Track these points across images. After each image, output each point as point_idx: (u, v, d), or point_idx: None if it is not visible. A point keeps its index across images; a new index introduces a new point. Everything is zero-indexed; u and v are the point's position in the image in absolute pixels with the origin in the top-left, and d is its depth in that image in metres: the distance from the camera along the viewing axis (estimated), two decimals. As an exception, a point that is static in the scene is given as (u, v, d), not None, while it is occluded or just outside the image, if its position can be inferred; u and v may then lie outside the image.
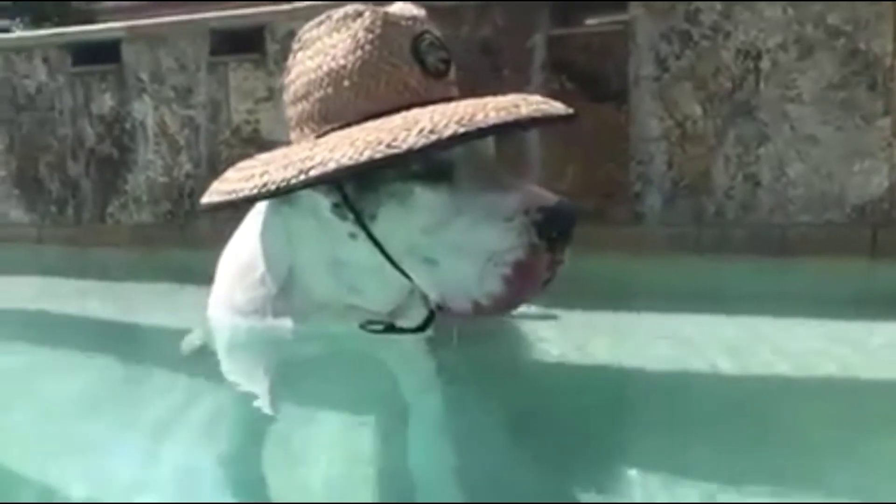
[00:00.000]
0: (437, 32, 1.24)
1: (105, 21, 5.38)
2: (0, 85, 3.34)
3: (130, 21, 3.35)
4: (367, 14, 1.20)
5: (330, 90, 1.20)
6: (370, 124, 1.11)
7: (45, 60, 3.26)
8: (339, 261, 1.29)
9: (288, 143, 1.33)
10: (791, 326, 1.77)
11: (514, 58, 2.55)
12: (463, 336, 1.88)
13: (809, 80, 2.24)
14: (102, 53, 3.14)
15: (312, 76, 1.23)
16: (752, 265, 2.27)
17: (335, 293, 1.35)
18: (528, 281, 1.08)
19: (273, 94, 2.82)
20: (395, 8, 1.25)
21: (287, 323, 1.42)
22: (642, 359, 1.54)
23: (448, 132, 1.00)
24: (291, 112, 1.29)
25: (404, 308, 1.38)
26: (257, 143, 2.82)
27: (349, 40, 1.19)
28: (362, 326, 1.36)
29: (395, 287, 1.30)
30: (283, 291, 1.41)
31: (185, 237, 2.92)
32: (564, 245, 1.08)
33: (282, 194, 1.17)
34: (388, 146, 1.02)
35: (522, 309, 1.86)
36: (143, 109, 3.08)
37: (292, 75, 1.28)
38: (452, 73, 1.24)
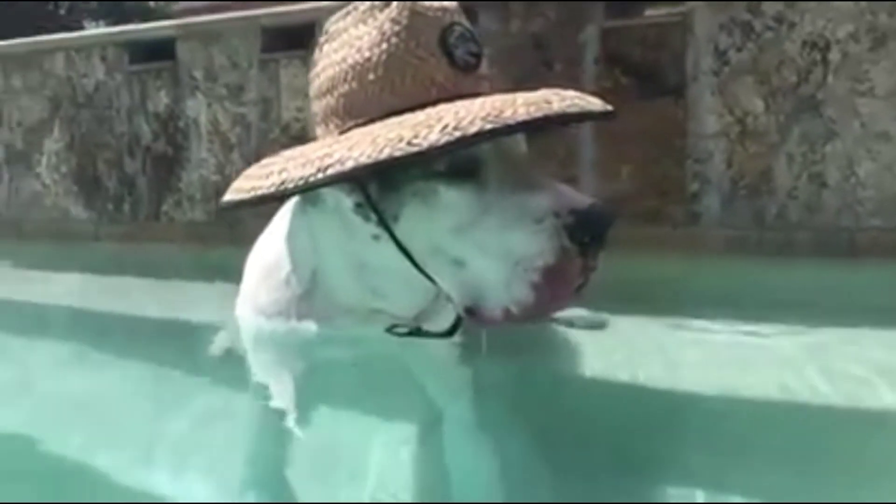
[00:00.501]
0: (468, 24, 1.16)
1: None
2: (61, 83, 3.41)
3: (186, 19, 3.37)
4: (394, 5, 1.14)
5: (354, 84, 1.15)
6: (393, 120, 1.05)
7: (103, 59, 3.31)
8: (363, 263, 1.24)
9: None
10: (857, 338, 1.64)
11: (566, 52, 2.46)
12: (500, 343, 1.84)
13: (882, 72, 2.09)
14: (157, 51, 3.16)
15: (337, 69, 1.18)
16: (816, 271, 2.13)
17: (359, 296, 1.30)
18: (558, 287, 1.00)
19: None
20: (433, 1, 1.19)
21: (311, 326, 1.38)
22: (690, 375, 1.44)
23: (473, 129, 0.94)
24: (316, 107, 1.25)
25: (430, 312, 1.32)
26: (306, 140, 2.77)
27: (375, 32, 1.14)
28: (388, 330, 1.31)
29: (420, 291, 1.24)
30: (308, 293, 1.36)
31: (234, 235, 2.92)
32: (598, 250, 1.00)
33: (299, 193, 1.14)
34: (410, 143, 0.96)
35: (570, 314, 1.83)
36: (196, 107, 3.09)
37: (318, 68, 1.24)
38: (483, 67, 1.16)
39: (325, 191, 1.19)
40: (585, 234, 0.97)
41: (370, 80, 1.12)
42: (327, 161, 1.02)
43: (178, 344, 1.79)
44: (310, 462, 1.09)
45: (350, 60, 1.15)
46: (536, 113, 0.96)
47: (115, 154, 3.29)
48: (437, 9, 1.14)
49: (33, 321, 2.21)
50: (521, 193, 1.02)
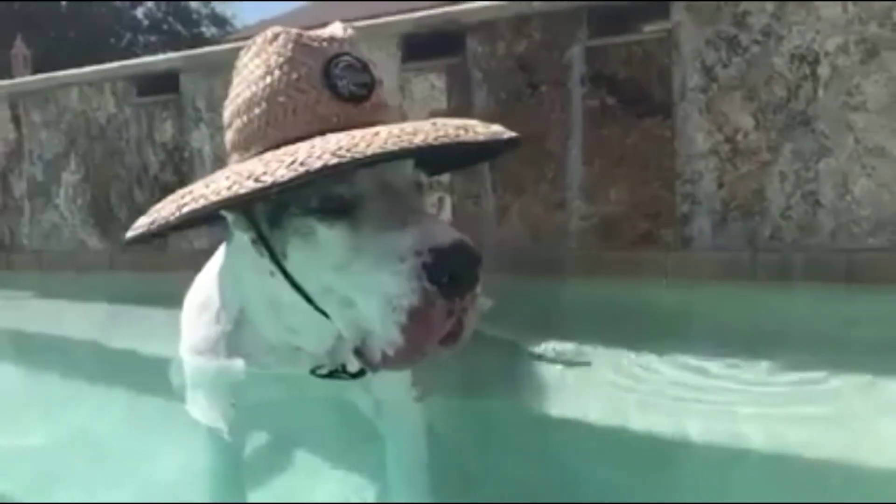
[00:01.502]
0: (360, 54, 1.12)
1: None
2: (76, 117, 3.48)
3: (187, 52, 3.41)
4: (281, 37, 1.11)
5: (245, 118, 1.12)
6: (265, 156, 1.02)
7: (113, 92, 3.37)
8: (273, 300, 1.20)
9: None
10: (858, 368, 1.52)
11: (552, 73, 2.40)
12: (468, 378, 1.79)
13: (875, 84, 1.98)
14: (163, 84, 3.21)
15: (235, 103, 1.16)
16: (812, 295, 2.03)
17: (278, 334, 1.26)
18: (423, 331, 0.93)
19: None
20: (325, 29, 1.16)
21: (239, 363, 1.36)
22: (671, 423, 1.36)
23: (318, 164, 0.89)
24: (225, 140, 1.23)
25: (341, 350, 1.28)
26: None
27: (262, 66, 1.11)
28: (312, 372, 1.27)
29: (326, 327, 1.20)
30: (235, 331, 1.33)
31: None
32: (460, 292, 0.92)
33: (164, 232, 1.11)
34: (257, 180, 0.93)
35: (555, 349, 1.76)
36: (200, 137, 3.13)
37: (226, 102, 1.22)
38: (378, 97, 1.11)
39: (231, 226, 1.17)
40: (443, 273, 0.90)
41: (256, 113, 1.09)
42: (187, 198, 1.00)
43: (136, 378, 1.80)
44: None
45: (243, 95, 1.13)
46: (392, 146, 0.91)
47: (125, 185, 3.34)
48: (325, 39, 1.10)
49: (38, 351, 2.27)
50: (390, 231, 0.96)
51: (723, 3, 2.13)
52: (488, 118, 2.45)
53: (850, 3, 1.98)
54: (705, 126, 2.19)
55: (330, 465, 1.26)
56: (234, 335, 1.34)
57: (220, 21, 20.16)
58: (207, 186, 0.99)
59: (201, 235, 3.15)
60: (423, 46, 2.61)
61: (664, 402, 1.46)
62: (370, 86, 1.10)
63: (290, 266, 1.09)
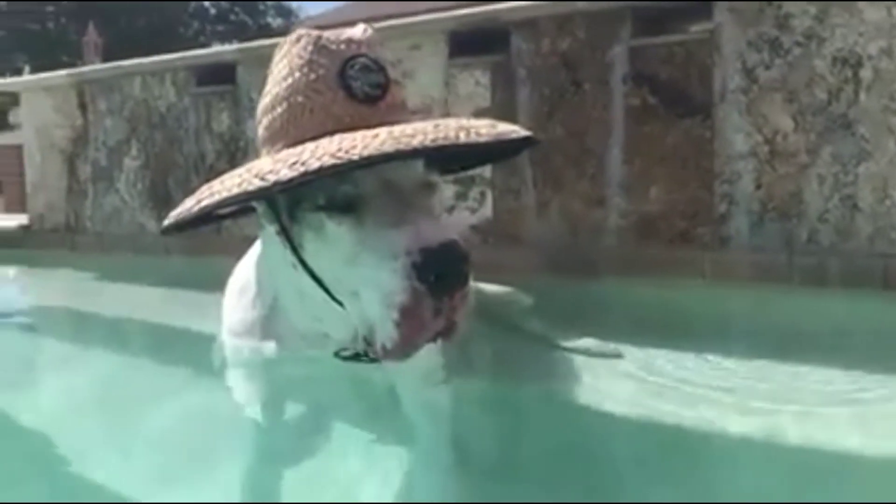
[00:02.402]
0: (376, 55, 1.17)
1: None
2: (138, 105, 3.63)
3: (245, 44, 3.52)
4: (303, 39, 1.18)
5: (270, 116, 1.20)
6: (280, 154, 1.09)
7: (174, 82, 3.50)
8: (298, 289, 1.27)
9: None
10: (889, 373, 1.52)
11: (595, 71, 2.43)
12: (495, 365, 1.84)
13: (918, 89, 1.96)
14: (220, 75, 3.32)
15: (264, 102, 1.23)
16: (848, 300, 2.02)
17: (305, 321, 1.34)
18: (413, 327, 0.99)
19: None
20: (347, 31, 1.22)
21: (271, 346, 1.44)
22: (692, 415, 1.38)
23: (315, 165, 0.96)
24: (258, 136, 1.31)
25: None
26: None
27: (286, 67, 1.18)
28: (336, 354, 1.34)
29: (347, 316, 1.27)
30: (269, 316, 1.42)
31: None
32: (447, 291, 0.98)
33: (186, 225, 1.19)
34: (262, 179, 1.00)
35: (587, 342, 1.80)
36: (254, 128, 3.22)
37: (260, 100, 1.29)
38: (394, 97, 1.17)
39: (260, 218, 1.25)
40: (429, 272, 0.95)
41: (279, 112, 1.16)
42: (205, 193, 1.08)
43: (183, 356, 1.91)
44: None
45: (271, 93, 1.20)
46: (387, 148, 0.96)
47: (183, 172, 3.47)
48: (343, 41, 1.16)
49: (99, 330, 2.40)
50: (388, 229, 1.02)
51: (765, 4, 2.13)
52: (531, 115, 2.52)
53: (894, 5, 1.97)
54: (745, 127, 2.19)
55: (352, 441, 1.32)
56: (268, 320, 1.43)
57: (284, 12, 20.46)
58: (223, 183, 1.06)
59: (252, 223, 3.26)
60: (469, 44, 2.66)
61: (687, 395, 1.48)
62: (384, 86, 1.15)
63: (308, 258, 1.16)
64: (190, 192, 1.21)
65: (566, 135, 2.49)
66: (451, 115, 2.69)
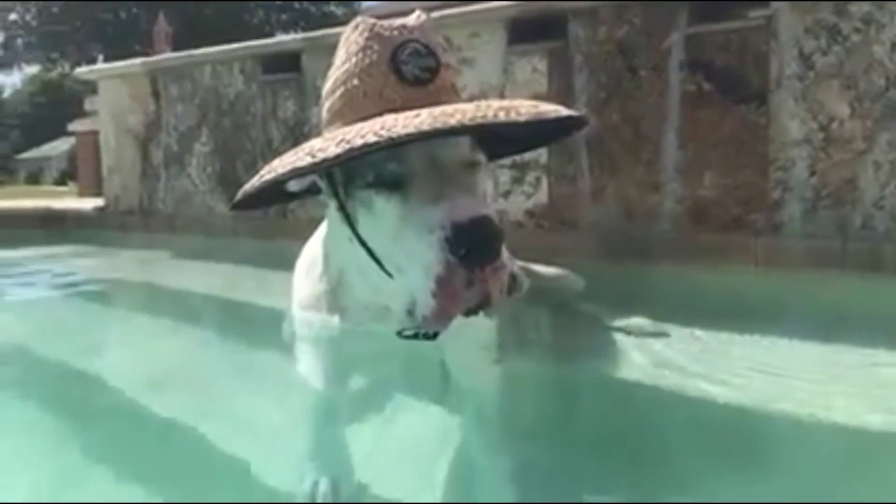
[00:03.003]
0: (427, 41, 1.21)
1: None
2: (207, 93, 3.78)
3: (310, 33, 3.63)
4: (360, 26, 1.25)
5: (331, 99, 1.27)
6: (333, 133, 1.16)
7: (242, 70, 3.63)
8: (358, 262, 1.31)
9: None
10: None
11: (652, 58, 2.46)
12: (548, 343, 1.91)
13: (978, 75, 1.95)
14: (286, 63, 3.44)
15: (326, 86, 1.31)
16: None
17: (368, 293, 1.38)
18: (447, 297, 1.04)
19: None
20: (402, 18, 1.28)
21: (336, 319, 1.51)
22: (736, 394, 1.43)
23: (359, 142, 1.03)
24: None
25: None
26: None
27: (345, 53, 1.25)
28: (398, 333, 1.41)
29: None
30: (334, 290, 1.48)
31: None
32: (478, 264, 1.02)
33: (253, 204, 1.28)
34: (312, 156, 1.07)
35: (636, 322, 1.86)
36: (318, 114, 3.33)
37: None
38: (443, 80, 1.21)
39: (324, 195, 1.32)
40: (461, 246, 1.00)
41: (338, 95, 1.24)
42: (264, 171, 1.16)
43: (255, 329, 2.02)
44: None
45: (332, 78, 1.28)
46: (426, 127, 1.02)
47: (251, 157, 3.61)
48: (396, 28, 1.22)
49: (172, 304, 2.56)
50: (427, 205, 1.07)
51: (824, -9, 2.14)
52: (588, 101, 2.57)
53: (956, -9, 1.96)
54: (800, 114, 2.20)
55: (405, 412, 1.40)
56: (334, 294, 1.50)
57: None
58: (281, 160, 1.14)
59: (318, 206, 3.37)
60: (527, 31, 2.71)
61: (736, 374, 1.53)
62: (434, 69, 1.20)
63: (362, 232, 1.23)
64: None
65: (622, 121, 2.53)
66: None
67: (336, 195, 1.25)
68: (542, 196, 2.70)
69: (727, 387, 1.46)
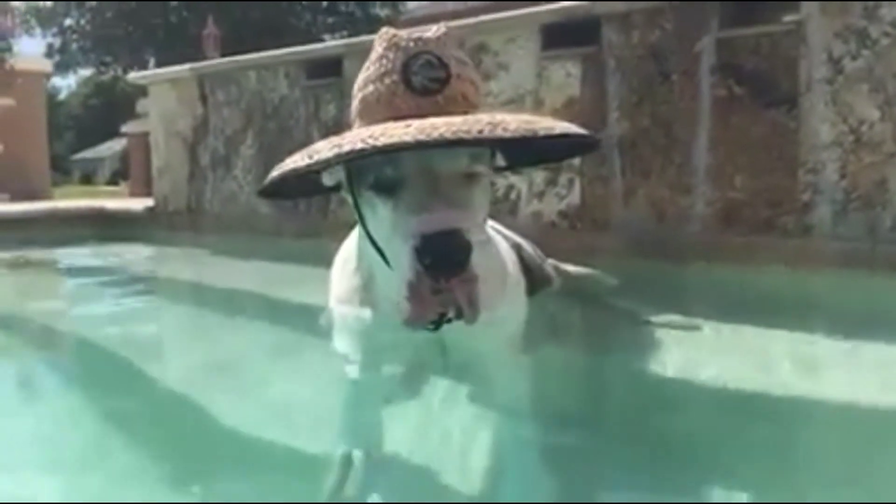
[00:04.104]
0: (441, 53, 1.27)
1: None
2: (253, 97, 3.90)
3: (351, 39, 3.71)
4: (383, 36, 1.33)
5: (353, 103, 1.36)
6: (342, 136, 1.24)
7: (286, 75, 3.75)
8: (377, 259, 1.39)
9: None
10: None
11: (683, 62, 2.50)
12: (578, 334, 1.97)
13: None
14: (328, 68, 3.54)
15: (353, 91, 1.40)
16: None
17: (393, 287, 1.48)
18: (416, 303, 1.11)
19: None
20: (422, 29, 1.34)
21: (368, 312, 1.59)
22: (763, 385, 1.47)
23: (347, 148, 1.11)
24: None
25: None
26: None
27: (368, 60, 1.34)
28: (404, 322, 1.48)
29: None
30: (366, 284, 1.56)
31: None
32: (442, 275, 1.09)
33: (274, 195, 1.39)
34: (309, 157, 1.15)
35: (668, 318, 1.91)
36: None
37: None
38: (453, 90, 1.27)
39: (344, 192, 1.40)
40: (425, 257, 1.07)
41: (358, 99, 1.33)
42: (279, 165, 1.25)
43: (293, 324, 2.11)
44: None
45: (357, 82, 1.37)
46: (408, 138, 1.08)
47: (293, 159, 3.71)
48: (412, 39, 1.29)
49: (220, 299, 2.68)
50: (409, 214, 1.14)
51: (854, -4, 2.16)
52: (620, 105, 2.61)
53: None
54: (830, 117, 2.22)
55: (432, 402, 1.46)
56: (365, 289, 1.58)
57: (392, 2, 20.82)
58: (292, 158, 1.23)
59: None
60: (561, 36, 2.77)
61: (763, 368, 1.57)
62: (444, 81, 1.26)
63: (370, 231, 1.32)
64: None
65: (653, 124, 2.57)
66: (543, 105, 2.81)
67: (351, 193, 1.33)
68: (575, 197, 2.75)
69: (760, 381, 1.50)
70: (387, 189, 1.22)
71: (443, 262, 1.08)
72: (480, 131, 1.12)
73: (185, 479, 1.13)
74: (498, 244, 1.70)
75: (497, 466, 1.16)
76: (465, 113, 1.23)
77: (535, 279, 1.79)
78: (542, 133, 1.20)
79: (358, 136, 1.14)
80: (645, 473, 1.09)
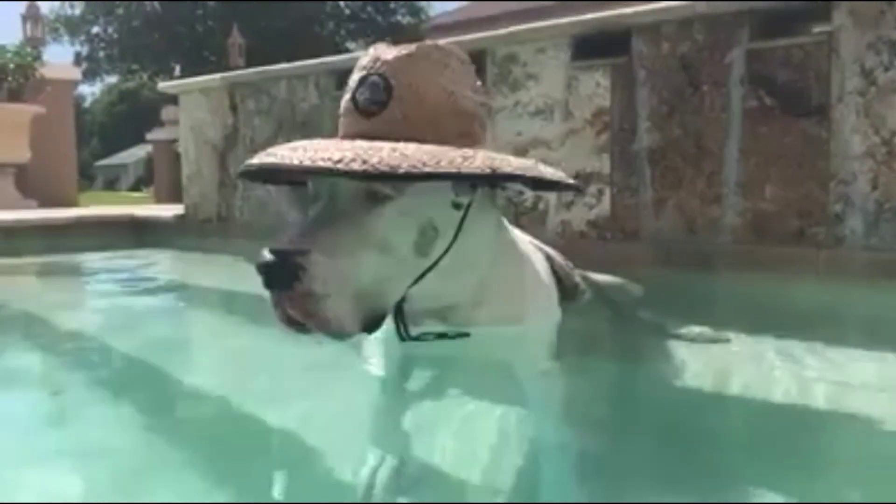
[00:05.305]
0: (393, 74, 1.25)
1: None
2: (283, 107, 3.95)
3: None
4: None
5: None
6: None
7: (317, 85, 3.79)
8: None
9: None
10: None
11: (713, 73, 2.51)
12: (605, 348, 1.98)
13: None
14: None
15: None
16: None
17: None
18: (275, 312, 1.15)
19: (489, 114, 3.05)
20: (379, 50, 1.34)
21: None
22: (795, 399, 1.48)
23: (268, 160, 1.16)
24: None
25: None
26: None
27: None
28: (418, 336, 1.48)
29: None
30: None
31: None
32: (274, 289, 1.11)
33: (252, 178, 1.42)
34: (257, 158, 1.20)
35: (697, 330, 1.92)
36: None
37: None
38: (393, 114, 1.24)
39: None
40: (258, 272, 1.09)
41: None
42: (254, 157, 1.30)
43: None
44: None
45: None
46: (294, 160, 1.12)
47: (323, 168, 3.76)
48: (371, 58, 1.30)
49: (252, 305, 2.69)
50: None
51: (886, 5, 2.16)
52: (650, 115, 2.63)
53: None
54: (862, 128, 2.23)
55: (462, 408, 1.48)
56: None
57: (414, 10, 20.96)
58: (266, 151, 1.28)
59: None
60: (590, 46, 2.79)
61: (795, 381, 1.58)
62: (383, 103, 1.24)
63: None
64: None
65: (684, 134, 2.58)
66: (573, 116, 2.83)
67: None
68: (605, 207, 2.77)
69: (792, 394, 1.51)
70: (309, 200, 1.26)
71: (268, 280, 1.11)
72: (365, 162, 1.09)
73: (221, 478, 1.16)
74: (530, 255, 1.72)
75: (524, 473, 1.18)
76: (407, 137, 1.19)
77: (566, 290, 1.81)
78: (440, 171, 1.13)
79: (286, 148, 1.19)
80: (676, 486, 1.10)
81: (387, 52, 1.30)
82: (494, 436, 1.33)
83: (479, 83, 1.38)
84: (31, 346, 2.22)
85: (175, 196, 8.08)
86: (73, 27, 19.84)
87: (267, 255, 1.08)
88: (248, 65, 9.61)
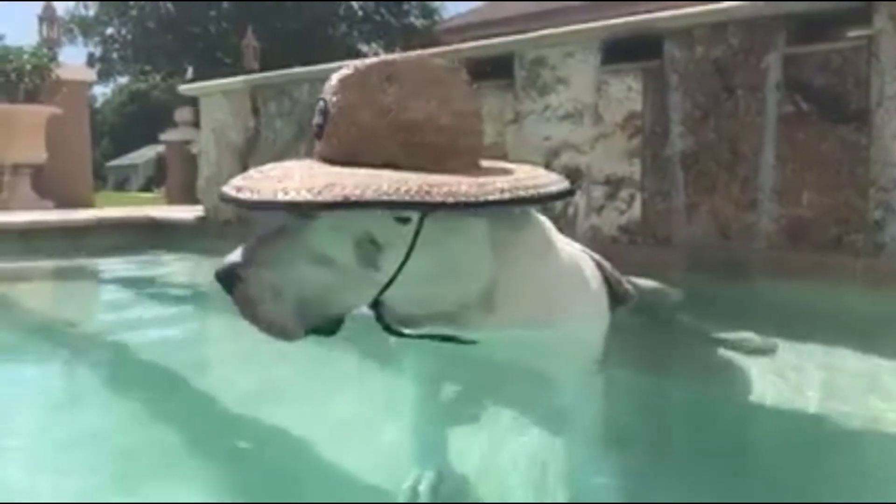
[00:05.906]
0: (334, 97, 1.23)
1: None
2: (305, 109, 3.93)
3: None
4: None
5: None
6: None
7: (339, 88, 3.77)
8: None
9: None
10: None
11: (748, 78, 2.48)
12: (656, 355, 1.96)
13: None
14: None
15: None
16: None
17: None
18: None
19: (518, 118, 3.02)
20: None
21: None
22: (836, 409, 1.48)
23: (239, 182, 1.12)
24: None
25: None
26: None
27: None
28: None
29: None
30: None
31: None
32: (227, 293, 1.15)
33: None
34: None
35: (744, 336, 1.89)
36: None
37: None
38: (329, 136, 1.22)
39: None
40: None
41: None
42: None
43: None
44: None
45: None
46: (252, 196, 1.09)
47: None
48: (335, 80, 1.30)
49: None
50: None
51: (930, 9, 2.13)
52: (683, 120, 2.59)
53: None
54: (903, 134, 2.20)
55: (496, 416, 1.46)
56: None
57: (428, 12, 20.97)
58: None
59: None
60: (621, 50, 2.76)
61: (834, 391, 1.55)
62: (321, 126, 1.21)
63: None
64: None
65: (718, 139, 2.55)
66: (602, 119, 2.81)
67: None
68: (636, 212, 2.74)
69: (832, 405, 1.49)
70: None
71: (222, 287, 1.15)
72: (274, 192, 1.08)
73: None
74: (566, 256, 1.69)
75: (564, 484, 1.19)
76: (343, 159, 1.17)
77: (617, 295, 1.79)
78: (396, 198, 1.05)
79: (261, 172, 1.19)
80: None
81: (338, 74, 1.32)
82: (523, 442, 1.31)
83: (465, 90, 1.33)
84: (69, 355, 2.22)
85: (186, 197, 8.10)
86: (87, 28, 19.92)
87: (217, 266, 1.14)
88: (262, 66, 9.61)
